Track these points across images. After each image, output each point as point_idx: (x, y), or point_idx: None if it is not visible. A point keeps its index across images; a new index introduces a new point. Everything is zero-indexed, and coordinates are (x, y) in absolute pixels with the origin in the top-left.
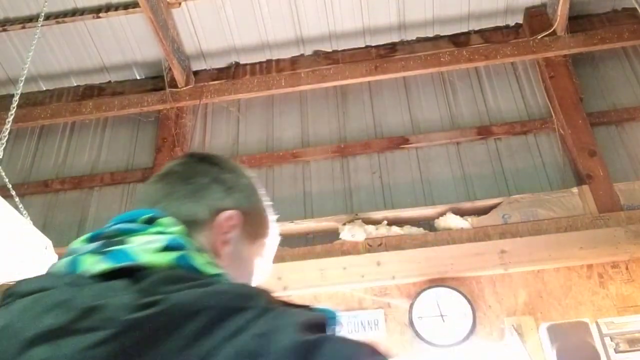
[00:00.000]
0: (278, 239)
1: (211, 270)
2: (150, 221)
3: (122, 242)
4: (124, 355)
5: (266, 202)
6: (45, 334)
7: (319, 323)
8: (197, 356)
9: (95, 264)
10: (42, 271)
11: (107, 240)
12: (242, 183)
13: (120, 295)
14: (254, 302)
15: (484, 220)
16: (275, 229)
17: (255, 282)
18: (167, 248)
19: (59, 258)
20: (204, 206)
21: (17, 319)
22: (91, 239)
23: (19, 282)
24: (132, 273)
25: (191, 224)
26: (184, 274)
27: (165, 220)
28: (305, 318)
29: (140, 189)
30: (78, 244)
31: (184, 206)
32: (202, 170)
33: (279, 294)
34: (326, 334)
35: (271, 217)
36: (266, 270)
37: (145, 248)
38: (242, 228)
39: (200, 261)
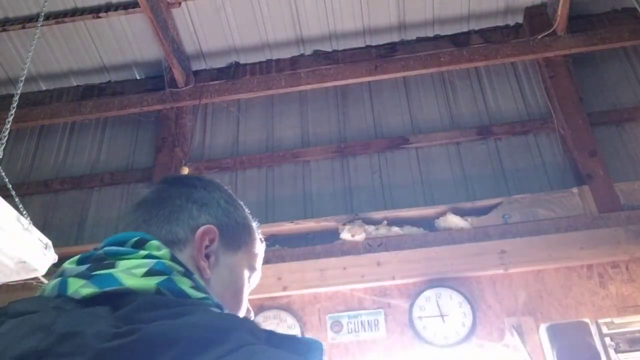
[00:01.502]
0: (263, 245)
1: (197, 294)
2: (139, 244)
3: (110, 266)
4: None
5: (244, 211)
6: (25, 355)
7: None
8: None
9: (81, 288)
10: (44, 270)
11: (95, 263)
12: (215, 197)
13: (98, 322)
14: (230, 336)
15: (484, 220)
16: (257, 236)
17: (248, 289)
18: (152, 272)
19: (54, 274)
20: (182, 226)
21: (2, 339)
22: (80, 261)
23: (12, 303)
24: (117, 297)
25: (173, 245)
26: (166, 300)
27: (153, 242)
28: (283, 358)
29: (122, 219)
30: (68, 264)
31: (163, 229)
32: (175, 193)
33: (279, 294)
34: None
35: (251, 224)
36: (256, 277)
37: (131, 272)
38: (222, 240)
39: (186, 285)
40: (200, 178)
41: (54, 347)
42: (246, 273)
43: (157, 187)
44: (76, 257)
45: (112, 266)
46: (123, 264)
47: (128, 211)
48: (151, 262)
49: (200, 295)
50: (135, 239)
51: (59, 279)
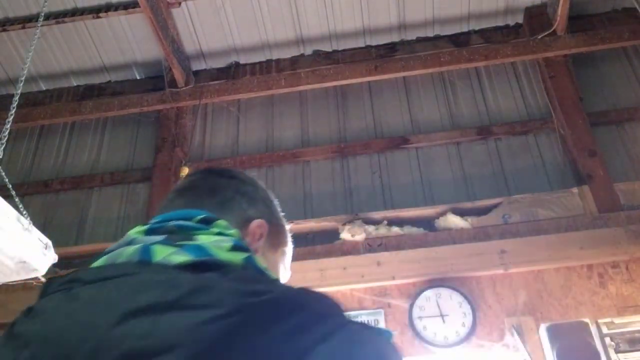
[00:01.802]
0: (292, 247)
1: (271, 274)
2: (205, 221)
3: (190, 239)
4: (234, 335)
5: (281, 212)
6: (143, 308)
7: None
8: (295, 351)
9: (172, 255)
10: (43, 270)
11: (171, 235)
12: (261, 195)
13: (223, 281)
14: (339, 312)
15: (484, 220)
16: (290, 237)
17: None
18: (236, 248)
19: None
20: (234, 217)
21: (103, 298)
22: (150, 232)
23: (76, 272)
24: (209, 267)
25: None
26: (259, 274)
27: (221, 222)
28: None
29: (162, 203)
30: (136, 234)
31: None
32: (225, 183)
33: None
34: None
35: (286, 226)
36: (287, 277)
37: (219, 245)
38: (267, 237)
39: (263, 264)
40: (244, 173)
41: (184, 300)
42: (281, 272)
43: (203, 175)
44: (142, 228)
45: (192, 239)
46: (203, 237)
47: (173, 194)
48: (230, 238)
49: (276, 275)
50: (201, 216)
51: (138, 245)
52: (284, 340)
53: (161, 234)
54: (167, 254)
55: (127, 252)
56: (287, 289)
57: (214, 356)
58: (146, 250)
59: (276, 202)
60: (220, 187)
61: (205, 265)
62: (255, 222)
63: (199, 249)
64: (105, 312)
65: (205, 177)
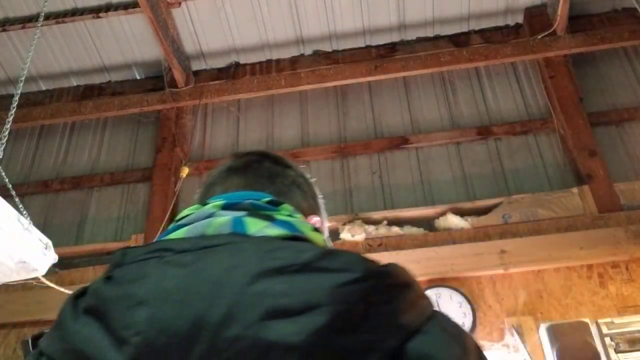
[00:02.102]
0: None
1: None
2: (273, 204)
3: (271, 217)
4: (369, 298)
5: (324, 207)
6: (276, 269)
7: None
8: (413, 323)
9: (266, 229)
10: (43, 270)
11: (252, 211)
12: (311, 190)
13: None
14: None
15: (484, 220)
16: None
17: None
18: (315, 229)
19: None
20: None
21: (222, 261)
22: (225, 207)
23: (166, 242)
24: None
25: None
26: None
27: (287, 206)
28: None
29: (217, 176)
30: (213, 208)
31: None
32: (281, 172)
33: None
34: None
35: (326, 223)
36: None
37: (304, 224)
38: None
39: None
40: (296, 164)
41: (315, 263)
42: None
43: (258, 158)
44: (218, 202)
45: (273, 217)
46: (281, 217)
47: (225, 172)
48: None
49: None
50: (268, 199)
51: (227, 217)
52: (403, 312)
53: (239, 209)
54: (261, 227)
55: (216, 224)
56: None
57: (355, 316)
58: (239, 222)
59: (321, 197)
60: (277, 175)
61: (300, 240)
62: (315, 219)
63: (290, 224)
64: (232, 274)
65: (261, 161)
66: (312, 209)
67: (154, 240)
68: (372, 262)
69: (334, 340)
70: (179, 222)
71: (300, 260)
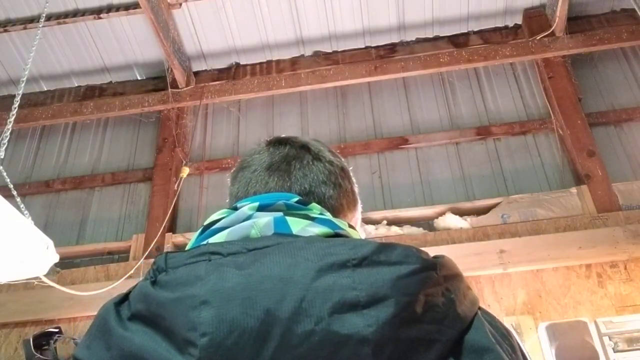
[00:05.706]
0: None
1: None
2: (302, 203)
3: (308, 217)
4: (427, 289)
5: (359, 200)
6: (337, 264)
7: None
8: (469, 313)
9: (309, 227)
10: (45, 270)
11: (289, 211)
12: (350, 185)
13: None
14: None
15: (483, 220)
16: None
17: None
18: (350, 226)
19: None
20: (326, 206)
21: (280, 260)
22: (262, 208)
23: (212, 246)
24: None
25: None
26: None
27: (315, 205)
28: None
29: (257, 175)
30: (250, 210)
31: None
32: (321, 169)
33: None
34: None
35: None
36: None
37: (339, 221)
38: None
39: None
40: (336, 156)
41: (374, 256)
42: None
43: (297, 154)
44: (254, 204)
45: (311, 216)
46: (314, 215)
47: (269, 172)
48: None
49: None
50: (296, 199)
51: (268, 219)
52: (459, 304)
53: (274, 210)
54: (304, 226)
55: (259, 225)
56: (441, 255)
57: (417, 306)
58: (281, 222)
59: (356, 187)
60: (311, 172)
61: (341, 237)
62: (354, 218)
63: (330, 222)
64: (294, 271)
65: (301, 157)
66: (347, 205)
67: (191, 246)
68: (426, 253)
69: (401, 331)
70: (215, 227)
71: (358, 254)
